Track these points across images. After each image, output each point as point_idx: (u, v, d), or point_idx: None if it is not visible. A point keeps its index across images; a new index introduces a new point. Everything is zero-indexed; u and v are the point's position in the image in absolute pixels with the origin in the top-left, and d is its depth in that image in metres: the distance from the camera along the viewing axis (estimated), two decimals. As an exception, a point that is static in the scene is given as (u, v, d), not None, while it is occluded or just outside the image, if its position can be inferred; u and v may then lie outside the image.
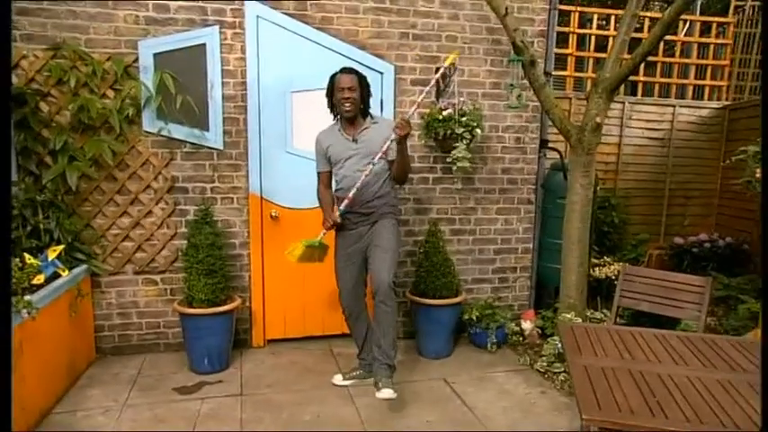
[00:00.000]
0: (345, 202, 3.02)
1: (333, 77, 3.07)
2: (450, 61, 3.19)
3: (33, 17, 3.30)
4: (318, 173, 3.22)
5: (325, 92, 3.11)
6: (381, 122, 3.15)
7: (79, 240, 3.45)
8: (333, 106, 3.12)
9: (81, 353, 3.39)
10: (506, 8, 3.30)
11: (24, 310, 2.54)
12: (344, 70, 3.07)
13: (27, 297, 2.63)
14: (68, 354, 3.19)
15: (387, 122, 3.17)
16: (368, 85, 3.11)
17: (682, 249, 5.52)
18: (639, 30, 6.25)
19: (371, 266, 3.04)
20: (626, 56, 3.50)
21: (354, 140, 3.08)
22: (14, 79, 3.31)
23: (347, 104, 3.00)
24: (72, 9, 3.35)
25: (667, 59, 6.47)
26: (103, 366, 3.51)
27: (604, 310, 3.91)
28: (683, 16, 6.08)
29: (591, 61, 6.28)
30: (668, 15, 2.95)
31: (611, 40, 6.19)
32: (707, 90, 6.51)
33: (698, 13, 6.74)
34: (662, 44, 6.26)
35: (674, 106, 6.21)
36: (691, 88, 6.46)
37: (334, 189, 3.20)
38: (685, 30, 6.46)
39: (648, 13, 6.42)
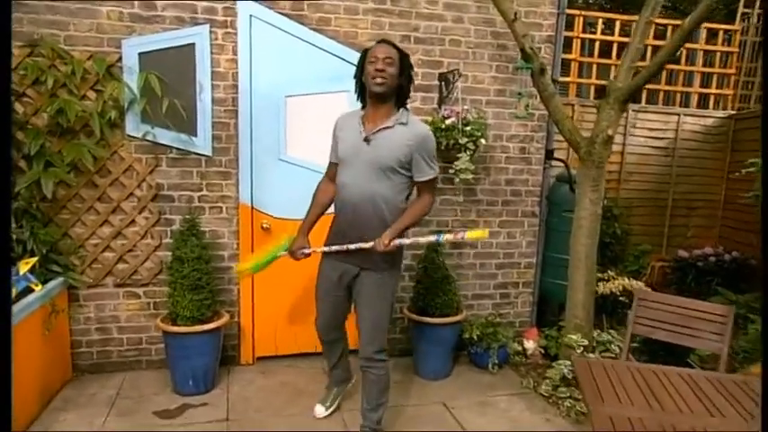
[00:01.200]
0: (335, 246, 2.51)
1: (366, 50, 2.47)
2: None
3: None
4: (329, 163, 2.68)
5: (355, 74, 2.51)
6: (412, 126, 2.46)
7: (56, 251, 3.22)
8: (362, 90, 2.50)
9: (55, 372, 3.17)
10: (515, 13, 3.11)
11: (-13, 334, 2.30)
12: (382, 41, 2.47)
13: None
14: (41, 375, 2.96)
15: (418, 129, 2.48)
16: (410, 68, 2.48)
17: (686, 263, 5.37)
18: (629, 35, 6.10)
19: (358, 323, 2.59)
20: (639, 63, 3.32)
21: (366, 140, 2.41)
22: (-13, 78, 3.08)
23: (379, 78, 2.33)
24: (51, 4, 3.12)
25: (672, 66, 6.31)
26: (80, 387, 3.28)
27: (611, 331, 3.73)
28: (660, 20, 5.94)
29: (595, 67, 6.11)
30: (689, 23, 2.78)
31: (615, 45, 6.08)
32: (712, 99, 6.36)
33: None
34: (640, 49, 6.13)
35: (678, 115, 6.05)
36: (695, 96, 6.31)
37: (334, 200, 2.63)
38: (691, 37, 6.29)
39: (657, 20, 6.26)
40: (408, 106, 2.56)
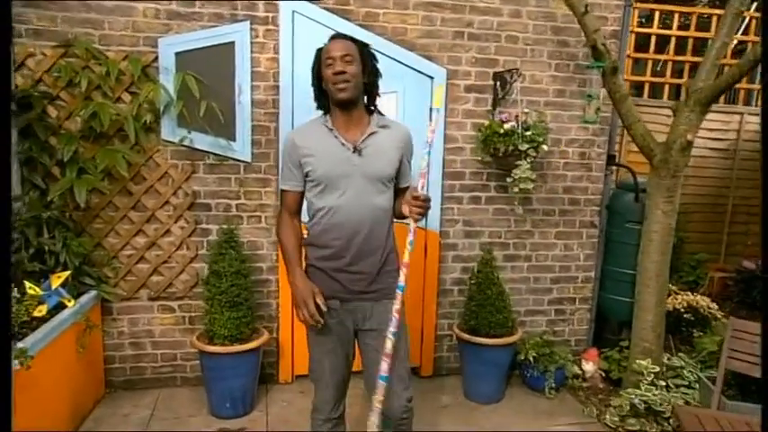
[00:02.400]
0: (335, 287, 2.03)
1: (319, 51, 2.05)
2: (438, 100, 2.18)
3: (42, 10, 2.90)
4: (283, 191, 2.12)
5: (311, 78, 2.09)
6: (394, 127, 2.11)
7: (89, 263, 3.06)
8: (321, 95, 2.08)
9: (88, 391, 3.00)
10: (586, 5, 2.81)
11: (16, 360, 2.13)
12: (335, 35, 2.07)
13: (20, 344, 2.22)
14: (73, 395, 2.80)
15: (402, 130, 2.13)
16: (374, 61, 2.05)
17: (752, 275, 4.97)
18: (685, 27, 5.69)
19: (376, 374, 1.98)
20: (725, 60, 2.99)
21: (357, 151, 2.00)
22: (19, 80, 2.92)
23: (340, 83, 1.94)
24: (86, 1, 2.94)
25: (734, 61, 5.88)
26: (113, 405, 3.12)
27: (681, 354, 3.41)
28: (752, 13, 5.51)
29: (650, 63, 5.72)
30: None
31: (672, 40, 5.68)
32: (779, 96, 5.91)
33: (768, 11, 6.10)
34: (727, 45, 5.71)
35: (741, 114, 5.64)
36: (760, 94, 5.86)
37: (312, 234, 2.08)
38: (755, 29, 5.84)
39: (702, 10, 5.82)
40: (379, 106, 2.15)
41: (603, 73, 2.87)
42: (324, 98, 2.07)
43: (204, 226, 3.24)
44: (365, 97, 2.06)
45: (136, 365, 3.30)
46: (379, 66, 2.08)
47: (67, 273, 2.80)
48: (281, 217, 2.14)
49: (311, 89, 3.15)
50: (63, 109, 2.98)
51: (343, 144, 2.00)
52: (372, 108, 2.10)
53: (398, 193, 2.15)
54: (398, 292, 1.94)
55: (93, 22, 2.96)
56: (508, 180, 3.22)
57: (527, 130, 3.06)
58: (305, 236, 2.14)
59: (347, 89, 1.95)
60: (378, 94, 2.10)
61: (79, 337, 2.79)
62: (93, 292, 3.00)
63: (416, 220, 1.91)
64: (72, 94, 2.96)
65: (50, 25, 2.92)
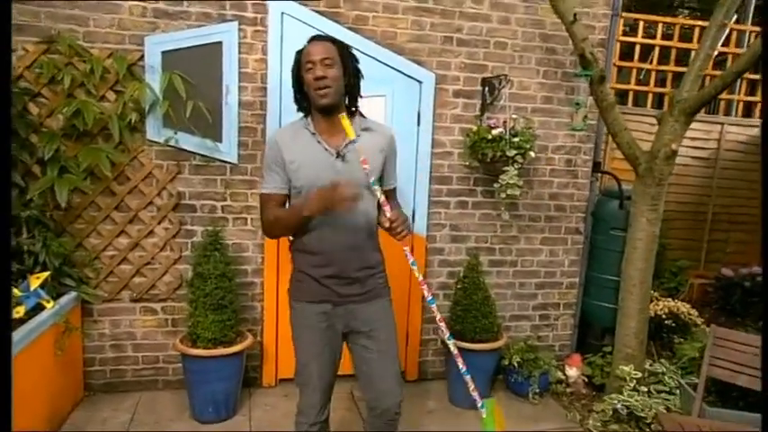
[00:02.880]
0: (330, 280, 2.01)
1: (299, 53, 1.99)
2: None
3: (24, 5, 2.84)
4: (267, 195, 2.04)
5: (292, 81, 2.05)
6: (377, 130, 2.08)
7: (69, 263, 2.99)
8: (302, 98, 2.04)
9: (66, 394, 2.94)
10: (575, 14, 2.83)
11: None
12: (315, 37, 2.02)
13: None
14: (51, 398, 2.74)
15: (385, 132, 2.11)
16: (355, 62, 2.01)
17: (730, 282, 5.05)
18: (669, 37, 5.79)
19: (369, 373, 2.08)
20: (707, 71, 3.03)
21: (340, 156, 1.97)
22: None
23: (321, 89, 1.89)
24: (70, -3, 2.89)
25: (715, 72, 5.99)
26: (92, 408, 3.05)
27: (662, 360, 3.45)
28: (733, 25, 5.61)
29: (634, 72, 5.79)
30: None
31: (656, 49, 5.76)
32: (758, 107, 6.03)
33: (749, 22, 6.24)
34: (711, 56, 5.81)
35: (722, 124, 5.74)
36: (740, 104, 5.98)
37: (297, 241, 2.06)
38: (736, 40, 5.96)
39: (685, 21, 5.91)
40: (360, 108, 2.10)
41: (591, 81, 2.89)
42: (305, 101, 2.03)
43: (189, 227, 3.20)
44: (346, 99, 2.02)
45: (116, 368, 3.24)
46: (360, 66, 2.04)
47: (47, 273, 2.74)
48: (264, 215, 2.05)
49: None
50: (45, 106, 2.92)
51: (326, 150, 1.97)
52: (354, 110, 2.05)
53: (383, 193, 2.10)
54: (432, 306, 2.11)
55: (78, 19, 2.91)
56: (495, 186, 3.23)
57: (515, 136, 3.08)
58: (291, 241, 2.12)
59: (328, 95, 1.91)
60: (360, 96, 2.06)
61: (58, 339, 2.73)
62: (73, 294, 2.94)
63: (401, 239, 1.95)
64: (54, 91, 2.90)
65: (33, 20, 2.86)
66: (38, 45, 2.86)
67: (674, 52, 5.69)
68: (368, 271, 2.07)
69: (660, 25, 5.77)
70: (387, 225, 1.94)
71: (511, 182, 3.07)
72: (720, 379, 2.47)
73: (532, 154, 3.15)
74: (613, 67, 5.63)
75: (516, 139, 3.06)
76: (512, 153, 3.04)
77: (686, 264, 5.72)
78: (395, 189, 2.21)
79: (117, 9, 2.94)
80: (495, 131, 3.06)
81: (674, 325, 4.18)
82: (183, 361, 2.99)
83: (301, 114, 2.08)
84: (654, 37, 5.76)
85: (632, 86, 5.79)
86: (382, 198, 1.98)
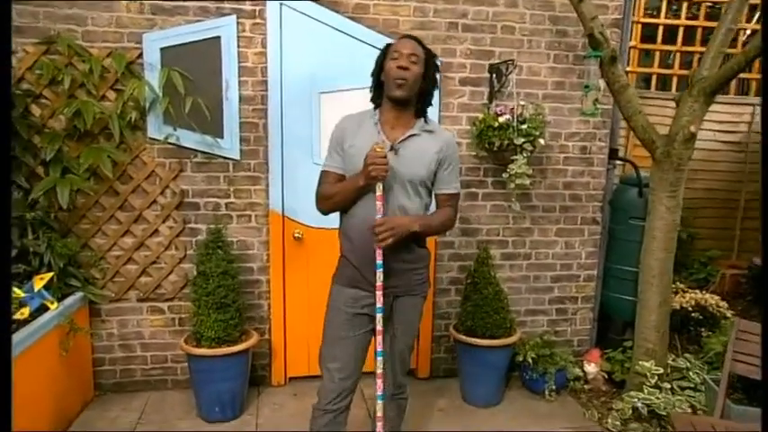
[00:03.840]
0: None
1: (388, 45, 2.10)
2: None
3: (23, 6, 2.84)
4: (325, 171, 2.12)
5: (372, 71, 2.09)
6: (438, 133, 2.13)
7: (75, 264, 2.99)
8: (378, 89, 2.09)
9: (74, 394, 2.94)
10: (582, -8, 2.69)
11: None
12: (409, 36, 2.11)
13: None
14: (57, 398, 2.74)
15: (445, 136, 2.15)
16: (436, 70, 2.12)
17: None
18: (694, 18, 5.52)
19: (386, 352, 2.14)
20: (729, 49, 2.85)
21: (394, 150, 2.01)
22: None
23: (400, 79, 1.96)
24: (67, -4, 2.88)
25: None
26: (101, 408, 3.06)
27: (687, 356, 3.28)
28: None
29: (657, 55, 5.56)
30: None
31: (680, 30, 5.51)
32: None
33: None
34: (740, 34, 5.53)
35: (753, 105, 5.46)
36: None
37: (342, 225, 2.16)
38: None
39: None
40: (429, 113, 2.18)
41: (601, 63, 2.74)
42: (378, 94, 2.09)
43: (193, 225, 3.17)
44: (417, 102, 2.07)
45: (126, 368, 3.24)
46: (437, 76, 2.14)
47: (51, 274, 2.74)
48: (319, 189, 2.13)
49: (300, 84, 3.10)
50: (46, 107, 2.92)
51: (383, 141, 2.01)
52: (422, 112, 2.11)
53: (438, 199, 2.17)
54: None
55: (77, 18, 2.90)
56: (504, 176, 3.11)
57: (523, 123, 2.95)
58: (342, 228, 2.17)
59: (404, 87, 1.98)
60: (431, 104, 2.13)
61: (62, 339, 2.73)
62: (78, 294, 2.94)
63: (379, 247, 1.95)
64: (55, 92, 2.90)
65: (32, 22, 2.86)
66: (37, 46, 2.86)
67: (699, 33, 5.43)
68: (402, 265, 2.07)
69: (685, 5, 5.52)
70: (369, 229, 1.95)
71: (519, 171, 2.94)
72: (743, 375, 2.31)
73: (542, 141, 3.02)
74: (635, 49, 5.44)
75: (524, 127, 2.94)
76: (520, 141, 2.92)
77: (717, 253, 5.48)
78: (453, 195, 2.18)
79: (115, 7, 2.92)
80: (501, 119, 2.94)
81: (701, 318, 3.99)
82: (189, 360, 2.97)
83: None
84: (678, 17, 5.51)
85: (655, 69, 5.57)
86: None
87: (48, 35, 2.87)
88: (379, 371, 2.06)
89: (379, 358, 2.06)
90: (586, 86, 2.75)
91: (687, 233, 5.31)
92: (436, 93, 3.12)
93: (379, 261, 1.97)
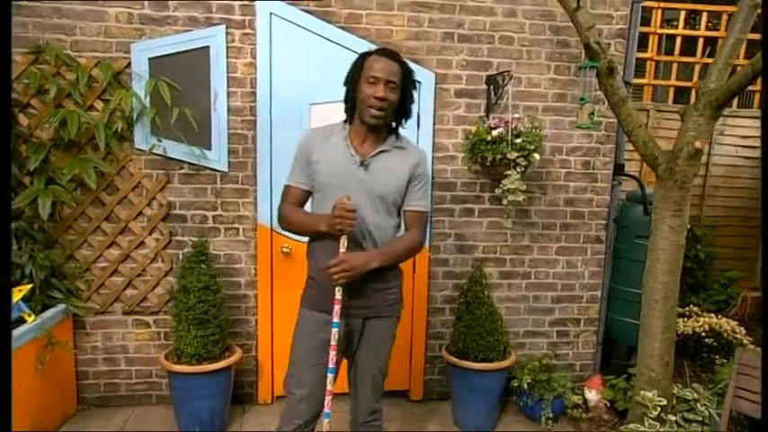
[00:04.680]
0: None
1: (363, 58, 1.96)
2: None
3: (12, 15, 2.84)
4: (287, 187, 2.05)
5: (345, 81, 2.01)
6: (409, 149, 2.05)
7: (59, 276, 2.96)
8: (352, 104, 1.99)
9: (53, 409, 2.89)
10: (578, 0, 2.55)
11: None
12: (385, 52, 1.97)
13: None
14: (33, 412, 2.68)
15: (416, 153, 2.07)
16: (414, 88, 2.02)
17: (787, 296, 4.52)
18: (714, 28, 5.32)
19: (357, 378, 2.09)
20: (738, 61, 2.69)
21: (364, 165, 1.94)
22: (-9, 88, 2.86)
23: (375, 109, 1.87)
24: (57, 6, 2.87)
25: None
26: (82, 423, 3.01)
27: (695, 386, 3.07)
28: None
29: (675, 66, 5.36)
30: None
31: (700, 41, 5.31)
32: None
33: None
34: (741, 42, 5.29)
35: (777, 120, 5.20)
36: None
37: (310, 244, 2.07)
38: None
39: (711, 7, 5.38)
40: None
41: (598, 73, 2.60)
42: (352, 108, 2.00)
43: (179, 238, 3.11)
44: (393, 119, 2.01)
45: (110, 382, 3.18)
46: (415, 94, 2.05)
47: (29, 286, 2.70)
48: (282, 207, 2.06)
49: (289, 95, 3.02)
50: (34, 117, 2.90)
51: (352, 156, 1.96)
52: (395, 129, 2.05)
53: (405, 216, 2.07)
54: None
55: (65, 28, 2.89)
56: (497, 191, 2.97)
57: (517, 137, 2.81)
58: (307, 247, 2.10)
59: (381, 117, 1.91)
60: (407, 119, 2.05)
61: (39, 353, 2.68)
62: (60, 306, 2.90)
63: (337, 282, 1.87)
64: (43, 101, 2.89)
65: (22, 31, 2.86)
66: (26, 56, 2.85)
67: (720, 43, 5.22)
68: (373, 284, 1.98)
69: (704, 14, 5.32)
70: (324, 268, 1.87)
71: (512, 187, 2.81)
72: (746, 414, 2.12)
73: (537, 156, 2.88)
74: (651, 61, 5.26)
75: (519, 141, 2.80)
76: (513, 155, 2.78)
77: (738, 275, 5.21)
78: (422, 213, 2.08)
79: (103, 17, 2.90)
80: (494, 132, 2.81)
81: (715, 344, 3.76)
82: (168, 377, 2.89)
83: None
84: (697, 28, 5.32)
85: (673, 82, 5.36)
86: None
87: (36, 44, 2.85)
88: (329, 387, 1.96)
89: (330, 375, 1.96)
90: (582, 99, 2.61)
91: (706, 252, 5.07)
92: (431, 104, 3.12)
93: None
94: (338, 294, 1.90)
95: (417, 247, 2.06)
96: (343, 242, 1.87)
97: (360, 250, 1.93)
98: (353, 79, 1.96)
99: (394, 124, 2.04)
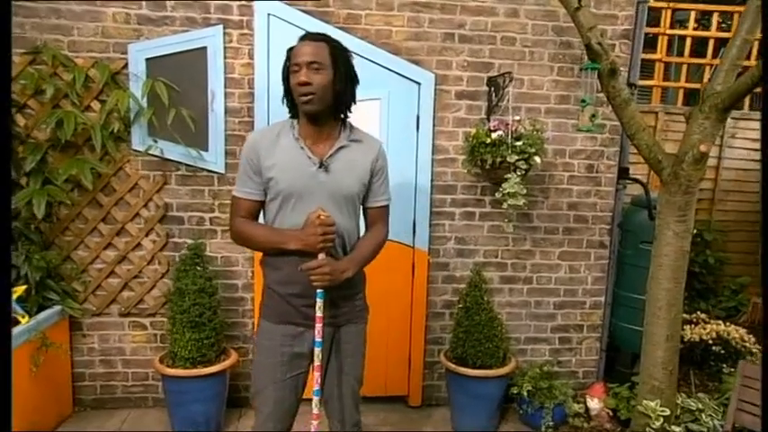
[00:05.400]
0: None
1: (290, 50, 1.83)
2: None
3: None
4: (236, 199, 1.91)
5: (282, 80, 1.87)
6: (367, 141, 1.93)
7: (55, 277, 2.95)
8: (290, 98, 1.87)
9: (48, 410, 2.88)
10: (579, 0, 2.49)
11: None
12: (307, 35, 1.83)
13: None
14: (27, 414, 2.67)
15: (375, 145, 1.95)
16: (349, 66, 1.84)
17: (798, 303, 4.41)
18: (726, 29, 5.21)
19: (329, 392, 1.98)
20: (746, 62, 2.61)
21: (323, 166, 1.82)
22: (-11, 88, 2.85)
23: (304, 94, 1.74)
24: (55, 6, 2.86)
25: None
26: (77, 424, 2.99)
27: (701, 395, 3.00)
28: None
29: (685, 68, 5.27)
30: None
31: (710, 42, 5.21)
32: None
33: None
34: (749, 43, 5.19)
35: (790, 122, 5.08)
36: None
37: (266, 255, 1.93)
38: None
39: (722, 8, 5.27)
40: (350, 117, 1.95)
41: (600, 75, 2.54)
42: (292, 103, 1.88)
43: (176, 240, 3.09)
44: (336, 106, 1.85)
45: (106, 384, 3.17)
46: (357, 71, 1.89)
47: (23, 287, 2.69)
48: (234, 221, 1.91)
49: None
50: (31, 118, 2.90)
51: (309, 158, 1.83)
52: (344, 118, 1.91)
53: (367, 213, 1.99)
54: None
55: (63, 28, 2.87)
56: (497, 195, 2.92)
57: (518, 140, 2.76)
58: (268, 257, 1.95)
59: (312, 101, 1.76)
60: (352, 103, 1.90)
61: (33, 354, 2.66)
62: (56, 308, 2.89)
63: (317, 287, 1.78)
64: (40, 102, 2.88)
65: (20, 32, 2.84)
66: (23, 56, 2.84)
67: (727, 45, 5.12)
68: (340, 292, 1.87)
69: (715, 15, 5.23)
70: (306, 267, 1.76)
71: (512, 190, 2.75)
72: (749, 428, 2.05)
73: (538, 159, 2.82)
74: (660, 63, 5.17)
75: (519, 143, 2.74)
76: (513, 158, 2.73)
77: (748, 280, 5.10)
78: (384, 207, 2.00)
79: (101, 17, 2.89)
80: (494, 135, 2.76)
81: (723, 352, 3.68)
82: (162, 381, 2.87)
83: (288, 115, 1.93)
84: (708, 28, 5.22)
85: (682, 84, 5.27)
86: None
87: (34, 45, 2.85)
88: (315, 411, 1.87)
89: (316, 398, 1.87)
90: (583, 101, 2.55)
91: (716, 257, 4.97)
92: (431, 106, 3.06)
93: (321, 290, 1.79)
94: (319, 312, 1.80)
95: (383, 245, 1.98)
96: (322, 256, 1.78)
97: (331, 258, 1.82)
98: (286, 76, 1.84)
99: (341, 114, 1.90)
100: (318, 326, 1.81)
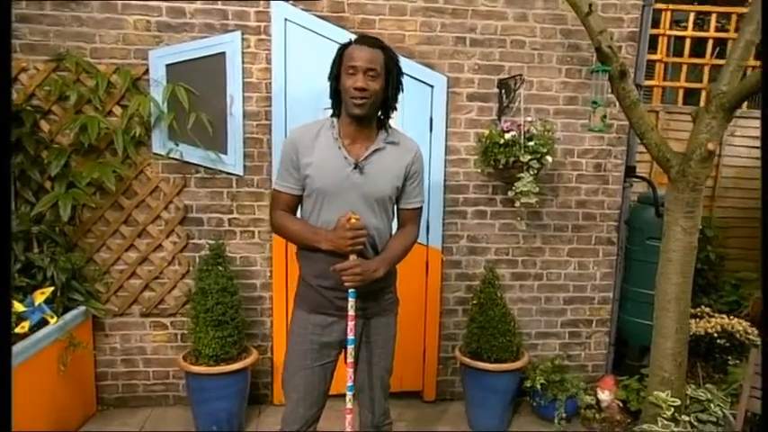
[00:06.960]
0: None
1: (343, 49, 1.87)
2: None
3: (35, 24, 2.91)
4: (276, 192, 1.99)
5: (329, 75, 1.92)
6: (403, 143, 1.98)
7: (79, 278, 3.01)
8: (337, 98, 1.92)
9: (74, 409, 2.94)
10: (590, 4, 2.58)
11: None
12: (364, 40, 1.88)
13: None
14: (55, 412, 2.74)
15: (412, 147, 2.00)
16: (399, 73, 1.91)
17: (799, 297, 4.52)
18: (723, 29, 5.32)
19: (364, 380, 2.07)
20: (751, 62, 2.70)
21: (359, 168, 1.89)
22: (13, 94, 2.93)
23: (358, 99, 1.80)
24: (77, 14, 2.93)
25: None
26: (102, 423, 3.06)
27: (708, 386, 3.09)
28: None
29: (684, 68, 5.37)
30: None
31: (709, 43, 5.31)
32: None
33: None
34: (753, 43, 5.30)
35: (789, 120, 5.19)
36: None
37: (303, 248, 1.99)
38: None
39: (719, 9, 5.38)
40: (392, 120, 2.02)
41: (610, 77, 2.63)
42: (337, 102, 1.93)
43: (196, 241, 3.16)
44: (380, 111, 1.93)
45: (128, 383, 3.23)
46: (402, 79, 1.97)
47: (51, 289, 2.76)
48: (274, 213, 1.99)
49: (304, 100, 3.06)
50: (55, 123, 2.97)
51: (345, 158, 1.89)
52: (384, 121, 1.97)
53: (400, 213, 2.06)
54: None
55: (85, 36, 2.95)
56: (510, 194, 3.00)
57: (530, 140, 2.85)
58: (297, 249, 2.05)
59: (364, 106, 1.82)
60: (395, 109, 1.98)
61: (61, 354, 2.73)
62: (80, 309, 2.95)
63: (349, 286, 1.85)
64: (64, 108, 2.95)
65: (43, 39, 2.92)
66: (47, 63, 2.91)
67: (730, 45, 5.22)
68: (371, 287, 1.93)
69: (714, 16, 5.33)
70: (338, 268, 1.83)
71: (525, 189, 2.84)
72: (762, 414, 2.14)
73: (549, 159, 2.91)
74: (660, 63, 5.27)
75: (531, 143, 2.83)
76: (526, 158, 2.82)
77: (749, 275, 5.20)
78: (418, 209, 2.07)
79: (122, 24, 2.96)
80: (507, 135, 2.84)
81: (727, 345, 3.77)
82: (186, 378, 2.94)
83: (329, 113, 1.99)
84: (706, 29, 5.32)
85: (682, 83, 5.37)
86: None
87: (57, 52, 2.92)
88: (349, 406, 1.94)
89: (349, 393, 1.94)
90: (594, 102, 2.64)
91: (717, 253, 5.07)
92: (443, 108, 3.15)
93: (353, 289, 1.87)
94: (351, 310, 1.87)
95: (413, 245, 2.06)
96: (353, 257, 1.85)
97: (361, 257, 1.89)
98: (336, 72, 1.89)
99: (383, 117, 1.96)
100: (351, 323, 1.88)
